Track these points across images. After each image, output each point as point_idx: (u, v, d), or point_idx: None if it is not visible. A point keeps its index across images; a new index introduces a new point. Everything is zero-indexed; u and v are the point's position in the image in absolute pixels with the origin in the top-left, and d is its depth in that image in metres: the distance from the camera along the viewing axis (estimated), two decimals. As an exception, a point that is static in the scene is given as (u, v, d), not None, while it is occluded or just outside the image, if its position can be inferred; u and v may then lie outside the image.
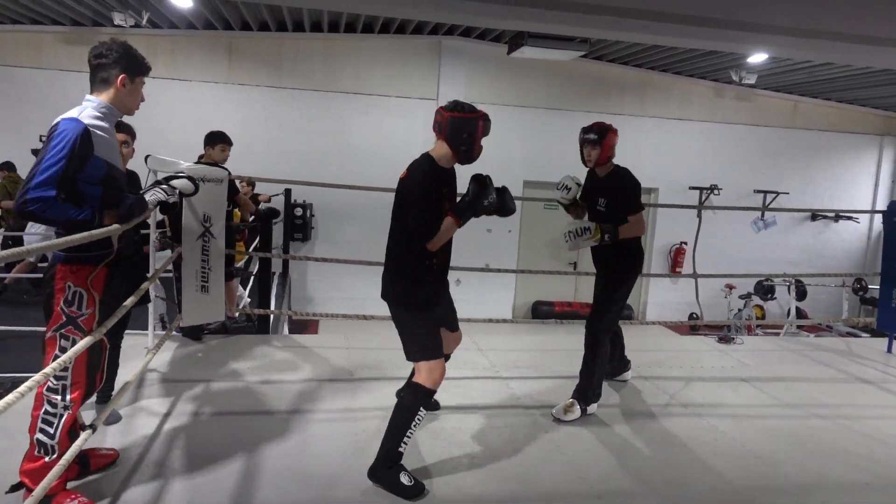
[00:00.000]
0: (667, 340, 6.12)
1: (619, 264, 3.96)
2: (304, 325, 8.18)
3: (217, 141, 5.23)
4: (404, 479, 2.94)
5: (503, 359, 5.05)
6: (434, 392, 3.05)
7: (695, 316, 9.26)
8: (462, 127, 2.94)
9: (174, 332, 4.63)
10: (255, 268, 6.83)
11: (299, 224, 9.02)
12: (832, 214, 10.41)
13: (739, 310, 9.56)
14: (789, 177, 10.58)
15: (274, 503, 2.84)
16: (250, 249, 6.70)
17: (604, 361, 4.03)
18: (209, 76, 8.91)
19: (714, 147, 10.44)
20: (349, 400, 4.05)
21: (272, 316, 6.39)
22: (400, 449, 2.98)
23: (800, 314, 9.43)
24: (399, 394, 3.53)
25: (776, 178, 10.57)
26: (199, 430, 3.48)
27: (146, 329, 4.53)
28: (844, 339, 6.95)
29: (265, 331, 5.72)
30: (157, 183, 3.06)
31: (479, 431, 3.69)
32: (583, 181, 4.09)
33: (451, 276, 10.16)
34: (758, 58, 8.24)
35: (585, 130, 3.85)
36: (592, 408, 3.98)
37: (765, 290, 9.55)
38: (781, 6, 4.79)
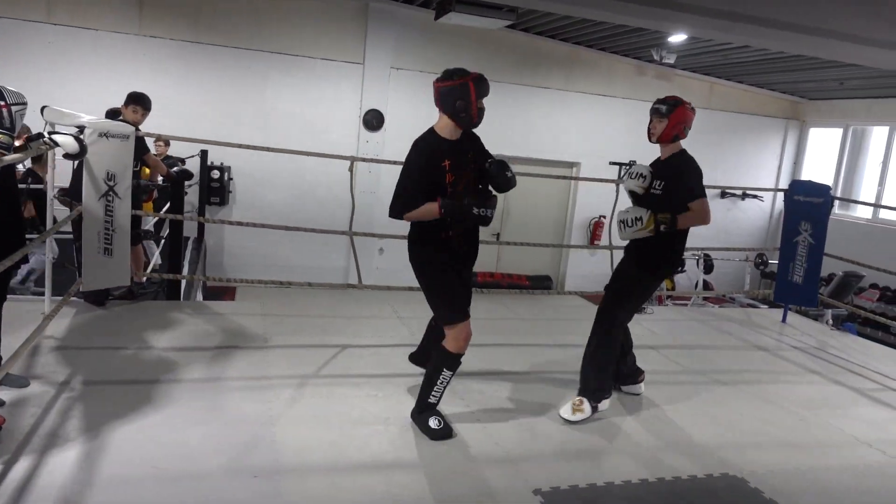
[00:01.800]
0: (583, 310, 6.28)
1: (655, 263, 3.57)
2: (220, 293, 7.91)
3: (129, 101, 4.93)
4: (433, 422, 3.19)
5: (422, 327, 5.04)
6: (460, 355, 3.16)
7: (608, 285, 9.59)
8: (453, 95, 2.95)
9: (74, 298, 4.35)
10: (166, 231, 6.52)
11: (216, 187, 8.67)
12: (739, 193, 10.95)
13: (652, 282, 9.96)
14: (703, 155, 10.94)
15: (180, 473, 2.74)
16: (162, 212, 6.38)
17: (614, 355, 3.70)
18: (119, 26, 8.32)
19: (635, 124, 10.68)
20: (263, 367, 3.95)
21: (184, 282, 6.13)
22: (430, 400, 3.22)
23: (706, 286, 9.93)
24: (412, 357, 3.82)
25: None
26: (98, 400, 3.30)
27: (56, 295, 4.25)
28: (745, 309, 7.38)
29: (176, 297, 5.49)
30: (39, 136, 2.83)
31: (396, 400, 3.68)
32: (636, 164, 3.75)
33: (374, 244, 10.07)
34: (677, 38, 8.46)
35: (657, 102, 3.52)
36: (604, 404, 3.64)
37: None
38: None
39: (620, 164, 10.58)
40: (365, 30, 8.93)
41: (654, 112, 3.48)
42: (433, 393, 3.21)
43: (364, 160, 5.71)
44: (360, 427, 3.30)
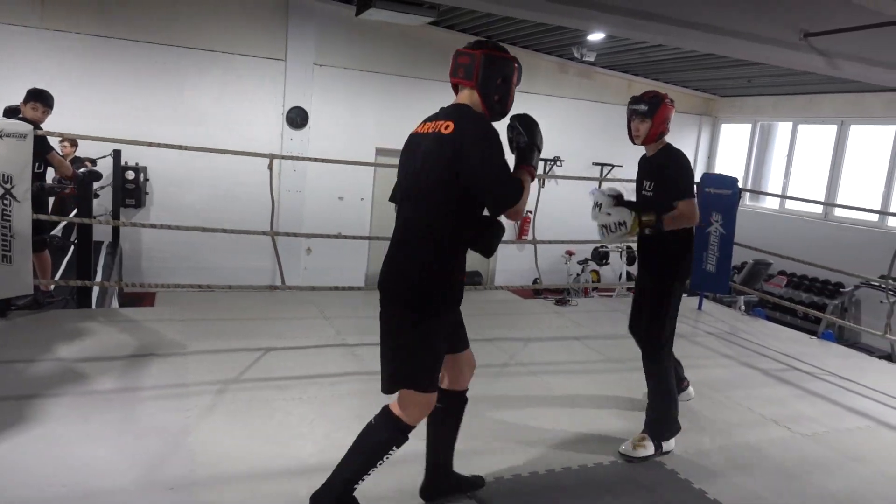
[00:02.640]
0: (510, 305, 6.41)
1: (670, 267, 3.28)
2: (137, 299, 7.56)
3: (29, 98, 4.68)
4: None
5: (350, 326, 5.00)
6: (412, 429, 2.43)
7: (537, 281, 9.79)
8: (499, 68, 2.33)
9: (-30, 309, 4.06)
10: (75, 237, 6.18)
11: (131, 189, 8.27)
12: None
13: (578, 274, 10.23)
14: (623, 151, 11.32)
15: (90, 491, 2.60)
16: (71, 216, 6.04)
17: (672, 385, 3.34)
18: (18, 18, 7.82)
19: (558, 120, 10.94)
20: (180, 375, 3.80)
21: (97, 290, 5.83)
22: (356, 486, 2.43)
23: (630, 277, 10.27)
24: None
25: (612, 152, 11.32)
26: None
27: None
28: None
29: (87, 305, 5.21)
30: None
31: (322, 401, 3.62)
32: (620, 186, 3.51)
33: (302, 245, 9.87)
34: (596, 36, 8.69)
35: (634, 100, 3.24)
36: (670, 444, 3.30)
37: (600, 255, 10.28)
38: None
39: (545, 160, 10.78)
40: (286, 25, 8.73)
41: (635, 113, 3.20)
42: (363, 477, 2.42)
43: (285, 157, 5.58)
44: (284, 431, 3.23)
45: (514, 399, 3.89)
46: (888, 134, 9.56)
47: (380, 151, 9.36)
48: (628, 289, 10.04)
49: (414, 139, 2.41)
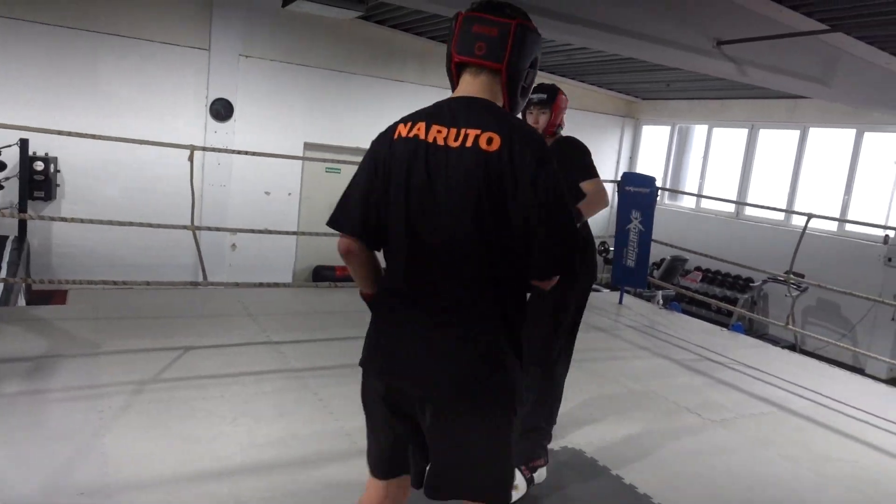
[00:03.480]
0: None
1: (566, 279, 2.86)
2: (47, 297, 7.15)
3: None
4: None
5: (276, 323, 4.91)
6: None
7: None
8: (534, 46, 1.67)
9: None
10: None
11: (40, 181, 7.80)
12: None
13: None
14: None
15: (-12, 498, 2.46)
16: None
17: (557, 402, 3.06)
18: (-90, -4, 7.24)
19: (487, 119, 11.11)
20: (93, 375, 3.63)
21: (1, 287, 5.49)
22: None
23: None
24: None
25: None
26: None
27: None
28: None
29: (-10, 303, 4.90)
30: None
31: (245, 399, 3.55)
32: None
33: (226, 240, 9.57)
34: (524, 37, 8.85)
35: (533, 90, 2.92)
36: (541, 473, 2.90)
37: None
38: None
39: (475, 158, 10.89)
40: (210, 14, 8.45)
41: (532, 104, 2.97)
42: None
43: (206, 149, 5.42)
44: (204, 431, 3.14)
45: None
46: (793, 138, 10.19)
47: (308, 146, 9.21)
48: (554, 284, 10.31)
49: (416, 149, 1.62)
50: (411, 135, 1.64)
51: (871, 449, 3.77)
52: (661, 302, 7.28)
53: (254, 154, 5.75)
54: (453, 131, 1.59)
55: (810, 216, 5.81)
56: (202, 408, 3.37)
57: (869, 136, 9.34)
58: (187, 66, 8.50)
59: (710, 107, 11.38)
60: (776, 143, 10.57)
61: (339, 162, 9.16)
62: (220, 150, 6.60)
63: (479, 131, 1.57)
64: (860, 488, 3.27)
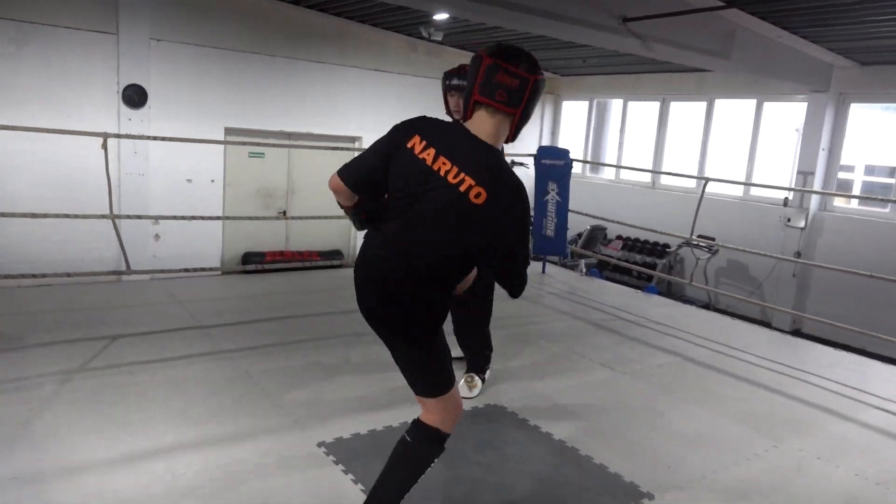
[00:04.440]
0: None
1: None
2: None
3: None
4: None
5: (204, 309, 4.93)
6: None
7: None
8: (540, 94, 2.08)
9: None
10: None
11: (-58, 176, 7.40)
12: (508, 161, 11.99)
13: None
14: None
15: (-85, 491, 2.46)
16: None
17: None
18: None
19: (411, 98, 11.17)
20: (18, 369, 3.60)
21: None
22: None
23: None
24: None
25: (464, 129, 11.78)
26: None
27: None
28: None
29: None
30: None
31: (176, 381, 3.60)
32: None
33: (149, 231, 9.32)
34: (441, 16, 8.96)
35: (450, 75, 3.20)
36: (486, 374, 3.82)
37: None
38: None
39: (400, 138, 10.98)
40: (116, -4, 8.15)
41: (455, 88, 3.12)
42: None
43: (119, 136, 5.32)
44: (135, 413, 3.19)
45: (365, 366, 4.08)
46: (701, 109, 10.77)
47: (229, 131, 9.07)
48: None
49: (423, 173, 2.00)
50: (421, 156, 2.03)
51: (762, 388, 4.18)
52: (583, 270, 7.64)
53: (171, 140, 5.69)
54: (454, 170, 1.96)
55: (707, 181, 6.24)
56: (132, 392, 3.41)
57: (768, 106, 9.98)
58: (94, 51, 8.18)
59: (624, 81, 11.83)
60: (686, 114, 11.14)
61: (262, 145, 9.10)
62: (134, 137, 6.46)
63: (471, 180, 1.94)
64: (750, 422, 3.65)
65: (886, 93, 8.67)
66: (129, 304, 4.94)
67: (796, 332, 8.60)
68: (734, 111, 10.45)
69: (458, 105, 3.17)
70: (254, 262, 9.29)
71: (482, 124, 2.03)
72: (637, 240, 11.18)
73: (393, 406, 3.49)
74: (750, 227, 9.71)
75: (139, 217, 5.63)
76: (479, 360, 3.80)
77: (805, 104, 9.22)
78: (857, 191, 9.40)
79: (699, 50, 7.34)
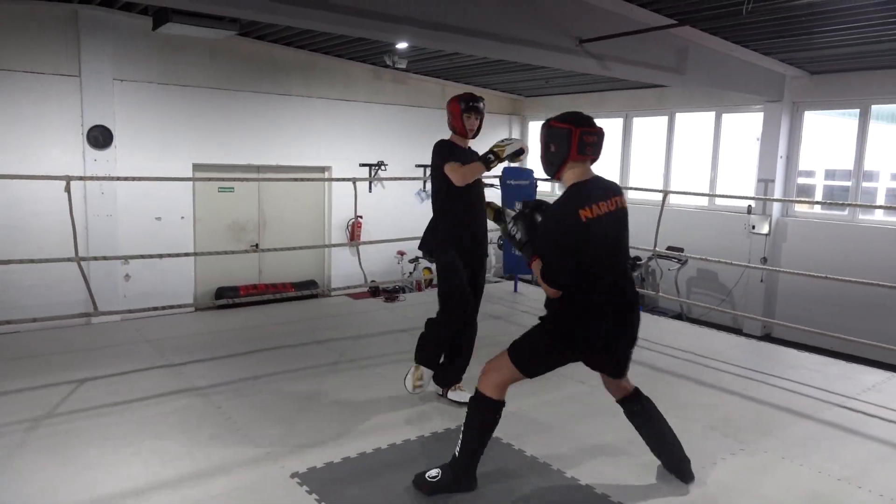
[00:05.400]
0: (343, 306, 6.58)
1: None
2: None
3: None
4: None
5: (175, 346, 4.91)
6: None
7: (372, 282, 10.08)
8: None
9: None
10: None
11: None
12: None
13: (410, 272, 10.65)
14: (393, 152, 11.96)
15: None
16: None
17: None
18: None
19: (378, 126, 11.29)
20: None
21: None
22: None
23: (460, 271, 10.87)
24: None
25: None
26: None
27: None
28: (486, 285, 8.27)
29: None
30: None
31: (147, 421, 3.58)
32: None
33: (119, 272, 9.25)
34: (403, 45, 9.12)
35: (474, 98, 3.84)
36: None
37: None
38: (414, 2, 5.43)
39: (370, 165, 11.07)
40: (77, 39, 8.17)
41: (475, 110, 3.83)
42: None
43: (82, 178, 5.31)
44: (106, 456, 3.17)
45: (343, 392, 4.10)
46: (662, 123, 11.03)
47: (197, 167, 9.08)
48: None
49: (605, 223, 2.79)
50: (594, 215, 2.76)
51: (729, 394, 4.27)
52: (555, 286, 7.72)
53: (136, 179, 5.69)
54: (606, 203, 2.82)
55: (666, 193, 6.40)
56: (102, 435, 3.39)
57: (727, 117, 10.26)
58: (58, 94, 8.18)
59: (588, 100, 12.08)
60: (649, 129, 11.40)
61: (231, 180, 9.11)
62: (98, 179, 6.44)
63: (617, 197, 2.89)
64: (717, 427, 3.72)
65: (836, 100, 8.98)
66: (98, 347, 4.89)
67: (767, 337, 8.77)
68: (695, 124, 10.72)
69: (473, 125, 3.86)
70: (227, 297, 9.24)
71: (585, 172, 2.88)
72: (609, 254, 11.32)
73: (367, 433, 3.51)
74: (717, 236, 9.92)
75: (106, 258, 5.57)
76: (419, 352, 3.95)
77: (761, 114, 9.49)
78: (818, 195, 9.67)
79: (655, 67, 7.55)
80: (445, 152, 3.82)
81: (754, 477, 3.18)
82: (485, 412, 2.97)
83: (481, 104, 3.89)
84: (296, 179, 8.79)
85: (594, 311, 2.87)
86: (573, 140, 2.77)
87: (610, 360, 3.07)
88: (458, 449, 2.95)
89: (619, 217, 2.88)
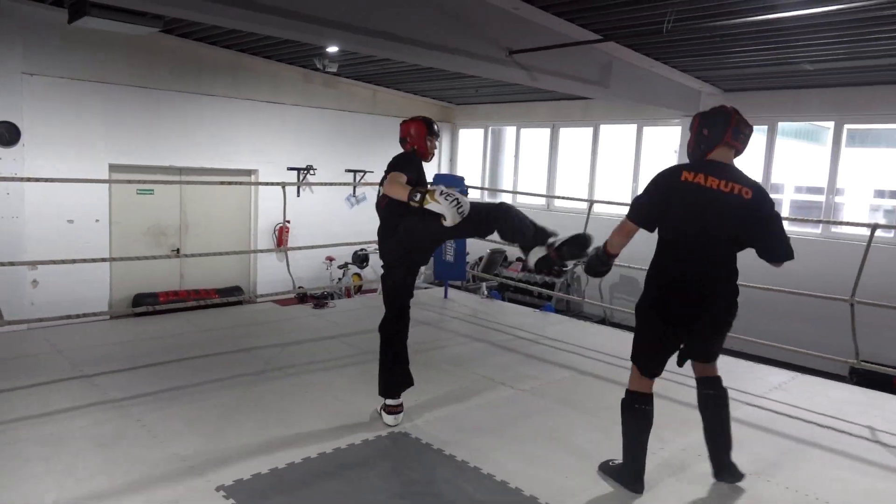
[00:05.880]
0: (269, 314, 6.43)
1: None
2: None
3: None
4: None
5: (89, 356, 4.65)
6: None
7: (300, 288, 9.88)
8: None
9: None
10: None
11: None
12: (409, 189, 12.12)
13: (339, 279, 10.53)
14: (372, 157, 11.94)
15: None
16: None
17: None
18: None
19: (307, 130, 11.13)
20: None
21: None
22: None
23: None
24: None
25: (363, 158, 11.81)
26: None
27: None
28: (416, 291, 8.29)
29: None
30: None
31: (59, 437, 3.38)
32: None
33: (25, 278, 8.72)
34: (334, 49, 9.04)
35: (435, 124, 3.86)
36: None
37: (361, 258, 10.70)
38: (345, 6, 5.38)
39: (299, 170, 10.88)
40: (-18, 30, 7.66)
41: (437, 135, 3.88)
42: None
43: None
44: (13, 473, 2.97)
45: (270, 401, 4.01)
46: (588, 134, 11.39)
47: (114, 168, 8.67)
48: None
49: (706, 193, 2.92)
50: (695, 181, 2.95)
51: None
52: (485, 293, 7.82)
53: (46, 180, 5.39)
54: (723, 183, 2.94)
55: (592, 202, 6.62)
56: (11, 453, 3.17)
57: (648, 130, 10.71)
58: (-40, 86, 7.64)
59: (517, 109, 12.34)
60: (575, 139, 11.74)
61: (151, 183, 8.74)
62: (4, 179, 6.05)
63: (740, 186, 2.95)
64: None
65: (746, 117, 9.52)
66: (3, 358, 4.57)
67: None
68: (618, 135, 11.13)
69: (434, 148, 3.85)
70: (146, 304, 8.84)
71: (726, 155, 3.06)
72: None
73: (296, 443, 3.45)
74: (638, 243, 10.23)
75: (12, 263, 5.24)
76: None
77: (679, 127, 9.96)
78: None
79: (581, 79, 7.80)
80: (403, 162, 3.63)
81: (675, 473, 3.32)
82: (628, 407, 3.19)
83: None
84: (221, 183, 8.54)
85: (672, 279, 3.04)
86: (731, 123, 3.00)
87: (693, 341, 3.14)
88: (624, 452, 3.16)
89: (731, 202, 2.92)
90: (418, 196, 3.11)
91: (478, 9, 6.36)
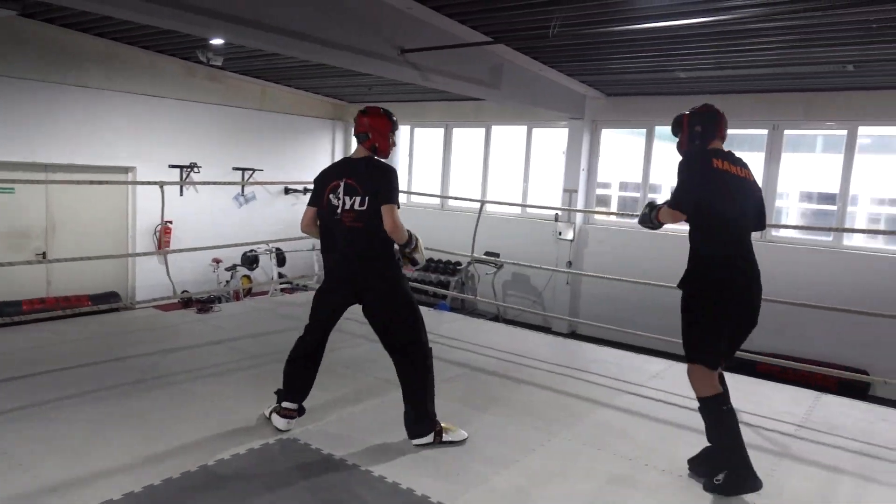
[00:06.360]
0: (149, 320, 6.03)
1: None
2: None
3: None
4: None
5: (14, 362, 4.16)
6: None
7: (184, 292, 9.34)
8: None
9: None
10: None
11: None
12: (301, 188, 11.83)
13: (227, 281, 10.09)
14: (263, 155, 11.56)
15: None
16: None
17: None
18: None
19: (191, 125, 10.58)
20: None
21: None
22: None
23: (283, 278, 10.53)
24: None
25: (252, 156, 11.39)
26: None
27: None
28: (310, 293, 8.09)
29: None
30: None
31: None
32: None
33: None
34: (218, 41, 8.64)
35: (394, 115, 3.67)
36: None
37: (250, 260, 10.30)
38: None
39: (182, 167, 10.32)
40: None
41: (397, 127, 3.72)
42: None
43: None
44: None
45: (148, 413, 3.75)
46: (480, 135, 11.59)
47: (-33, 163, 7.83)
48: (283, 289, 10.28)
49: (737, 180, 3.18)
50: (724, 168, 3.16)
51: (540, 388, 4.57)
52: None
53: None
54: (740, 169, 3.22)
55: (483, 203, 6.73)
56: None
57: (537, 132, 11.05)
58: None
59: (410, 109, 12.34)
60: (468, 140, 11.91)
61: (10, 181, 7.96)
62: None
63: (746, 171, 3.26)
64: (528, 420, 3.96)
65: (627, 120, 10.07)
66: None
67: (573, 335, 9.56)
68: (509, 136, 11.40)
69: (393, 145, 3.68)
70: (7, 314, 8.04)
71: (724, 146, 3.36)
72: (430, 259, 11.64)
73: (175, 456, 3.24)
74: (529, 242, 10.61)
75: None
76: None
77: (567, 129, 10.35)
78: (614, 206, 10.73)
79: (472, 80, 7.91)
80: (397, 184, 3.57)
81: (565, 462, 3.42)
82: (714, 411, 3.12)
83: None
84: (93, 182, 7.93)
85: (722, 262, 3.12)
86: (720, 122, 3.27)
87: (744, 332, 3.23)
88: (724, 458, 3.12)
89: (752, 187, 3.23)
90: (413, 244, 3.48)
91: (372, 7, 6.29)
